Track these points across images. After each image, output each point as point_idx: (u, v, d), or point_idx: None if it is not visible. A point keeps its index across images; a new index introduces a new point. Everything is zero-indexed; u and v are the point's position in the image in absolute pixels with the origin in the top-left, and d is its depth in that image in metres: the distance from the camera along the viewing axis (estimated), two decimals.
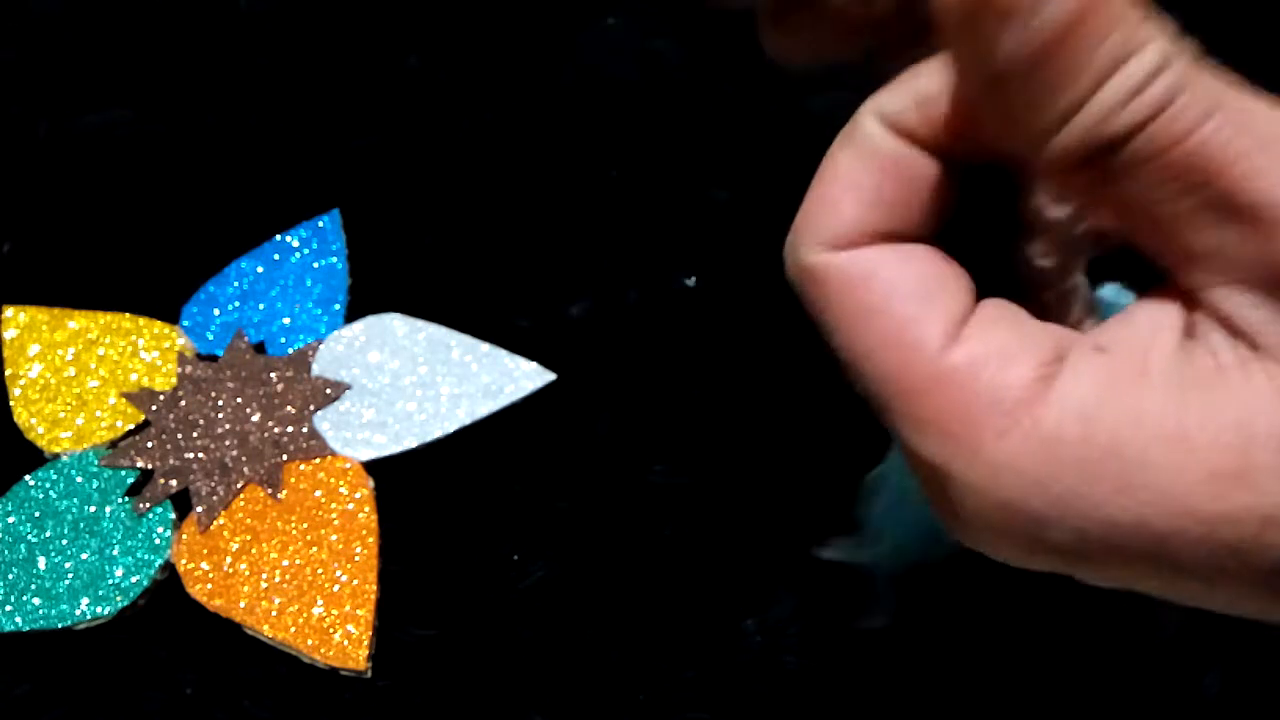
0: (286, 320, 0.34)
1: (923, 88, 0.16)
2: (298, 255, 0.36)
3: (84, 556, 0.30)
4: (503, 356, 0.33)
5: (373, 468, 0.31)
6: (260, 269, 0.35)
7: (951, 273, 0.16)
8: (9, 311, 0.35)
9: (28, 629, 0.29)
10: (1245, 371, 0.14)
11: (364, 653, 0.29)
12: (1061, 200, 0.17)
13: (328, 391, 0.33)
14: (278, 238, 0.36)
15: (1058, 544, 0.14)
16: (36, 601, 0.30)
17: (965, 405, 0.14)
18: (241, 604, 0.29)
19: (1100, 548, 0.14)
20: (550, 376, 0.33)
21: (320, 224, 0.36)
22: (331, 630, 0.29)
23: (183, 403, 0.33)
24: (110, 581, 0.30)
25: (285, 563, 0.30)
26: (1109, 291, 0.18)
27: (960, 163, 0.16)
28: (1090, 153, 0.14)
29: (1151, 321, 0.15)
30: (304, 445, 0.32)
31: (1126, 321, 0.16)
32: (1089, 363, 0.15)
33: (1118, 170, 0.14)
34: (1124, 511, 0.14)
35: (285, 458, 0.31)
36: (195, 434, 0.32)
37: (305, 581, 0.30)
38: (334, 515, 0.31)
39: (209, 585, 0.30)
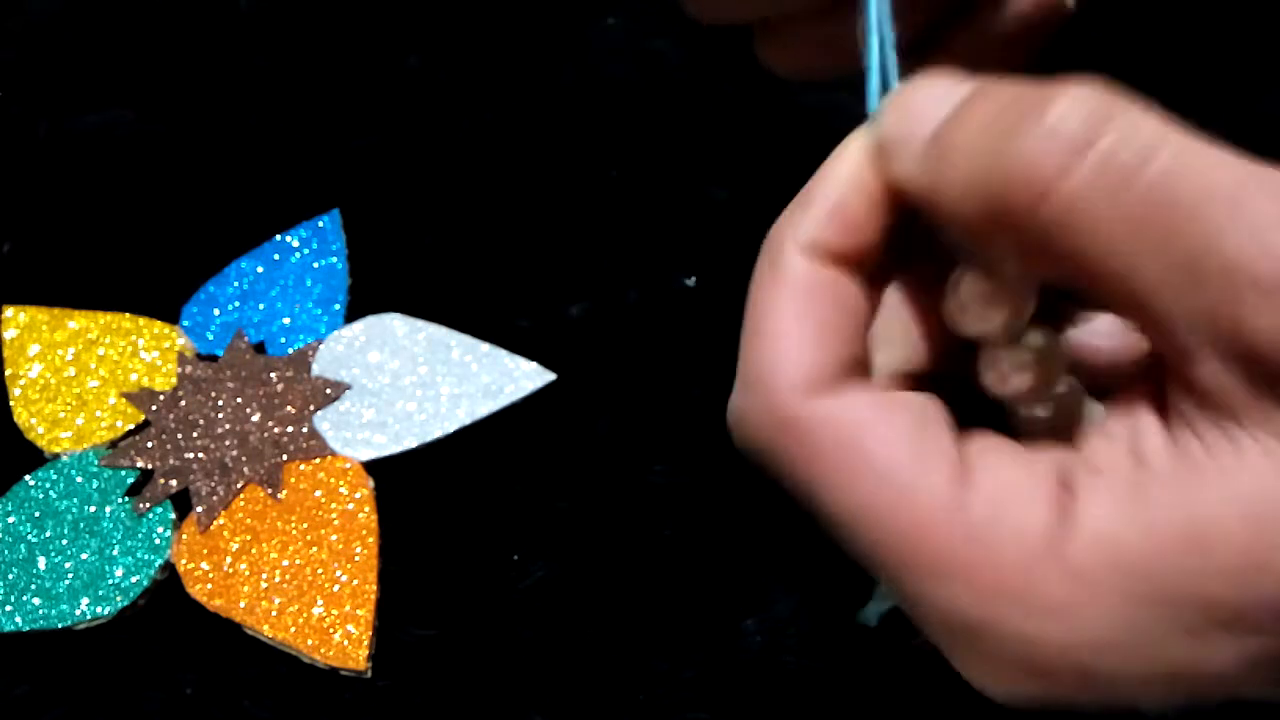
0: (286, 320, 0.34)
1: (833, 199, 0.16)
2: (298, 255, 0.36)
3: (84, 556, 0.30)
4: (503, 356, 0.33)
5: (373, 468, 0.31)
6: (260, 269, 0.35)
7: (931, 403, 0.15)
8: (9, 311, 0.35)
9: (28, 629, 0.29)
10: (1237, 450, 0.13)
11: (364, 653, 0.29)
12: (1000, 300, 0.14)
13: (328, 391, 0.33)
14: (278, 238, 0.36)
15: (1110, 673, 0.13)
16: (36, 601, 0.30)
17: (995, 556, 0.14)
18: (241, 604, 0.29)
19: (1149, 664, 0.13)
20: (550, 376, 0.33)
21: (320, 224, 0.36)
22: (331, 630, 0.29)
23: (183, 403, 0.33)
24: (110, 581, 0.30)
25: (285, 563, 0.30)
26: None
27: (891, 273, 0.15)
28: (1002, 203, 0.13)
29: (1129, 430, 0.15)
30: (304, 445, 0.32)
31: (1106, 436, 0.15)
32: (1095, 489, 0.14)
33: (1055, 224, 0.13)
34: (1167, 623, 0.13)
35: (285, 458, 0.31)
36: (195, 434, 0.32)
37: (305, 581, 0.30)
38: (334, 515, 0.31)
39: (209, 585, 0.30)
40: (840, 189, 0.15)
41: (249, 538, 0.30)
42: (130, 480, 0.31)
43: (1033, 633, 0.13)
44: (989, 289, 0.14)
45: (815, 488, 0.15)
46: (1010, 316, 0.14)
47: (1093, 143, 0.13)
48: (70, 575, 0.30)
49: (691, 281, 0.35)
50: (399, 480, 0.31)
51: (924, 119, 0.14)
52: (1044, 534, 0.14)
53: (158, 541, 0.30)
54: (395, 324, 0.34)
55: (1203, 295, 0.13)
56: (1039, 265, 0.14)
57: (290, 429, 0.32)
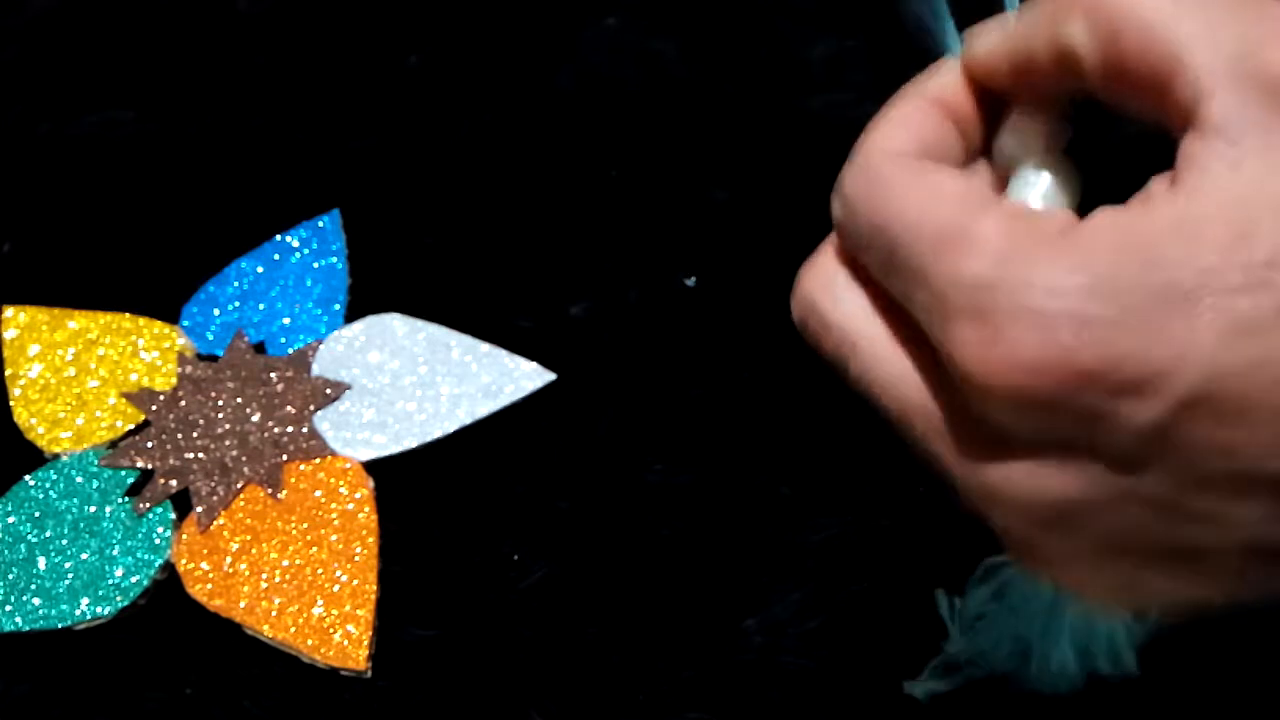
0: (286, 320, 0.34)
1: (935, 84, 0.19)
2: (298, 255, 0.36)
3: (84, 556, 0.30)
4: (503, 356, 0.33)
5: (373, 468, 0.32)
6: (260, 269, 0.35)
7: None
8: (9, 311, 0.35)
9: (28, 629, 0.29)
10: (1233, 163, 0.14)
11: (364, 652, 0.29)
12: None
13: (328, 391, 0.33)
14: (278, 238, 0.36)
15: (1100, 344, 0.14)
16: (36, 601, 0.30)
17: (1013, 233, 0.15)
18: (241, 604, 0.29)
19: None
20: (550, 376, 0.33)
21: (320, 224, 0.36)
22: (331, 630, 0.29)
23: (183, 403, 0.33)
24: (110, 581, 0.30)
25: (285, 563, 0.30)
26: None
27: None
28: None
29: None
30: (304, 445, 0.32)
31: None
32: (1102, 211, 0.16)
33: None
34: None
35: (285, 458, 0.32)
36: (195, 434, 0.32)
37: (305, 581, 0.30)
38: (334, 515, 0.31)
39: (209, 585, 0.30)
40: (943, 77, 0.18)
41: (249, 538, 0.30)
42: (130, 480, 0.31)
43: (1038, 289, 0.14)
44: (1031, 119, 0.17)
45: (875, 208, 0.17)
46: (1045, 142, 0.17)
47: None
48: (70, 575, 0.30)
49: (691, 282, 0.35)
50: (399, 480, 0.32)
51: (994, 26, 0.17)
52: (1058, 224, 0.15)
53: (158, 541, 0.30)
54: (395, 324, 0.34)
55: (1231, 39, 0.15)
56: (1109, 48, 0.16)
57: (290, 429, 0.32)
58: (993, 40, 0.17)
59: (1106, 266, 0.14)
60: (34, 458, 0.32)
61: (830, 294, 0.17)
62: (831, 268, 0.18)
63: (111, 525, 0.31)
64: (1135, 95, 0.16)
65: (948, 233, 0.15)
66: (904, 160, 0.17)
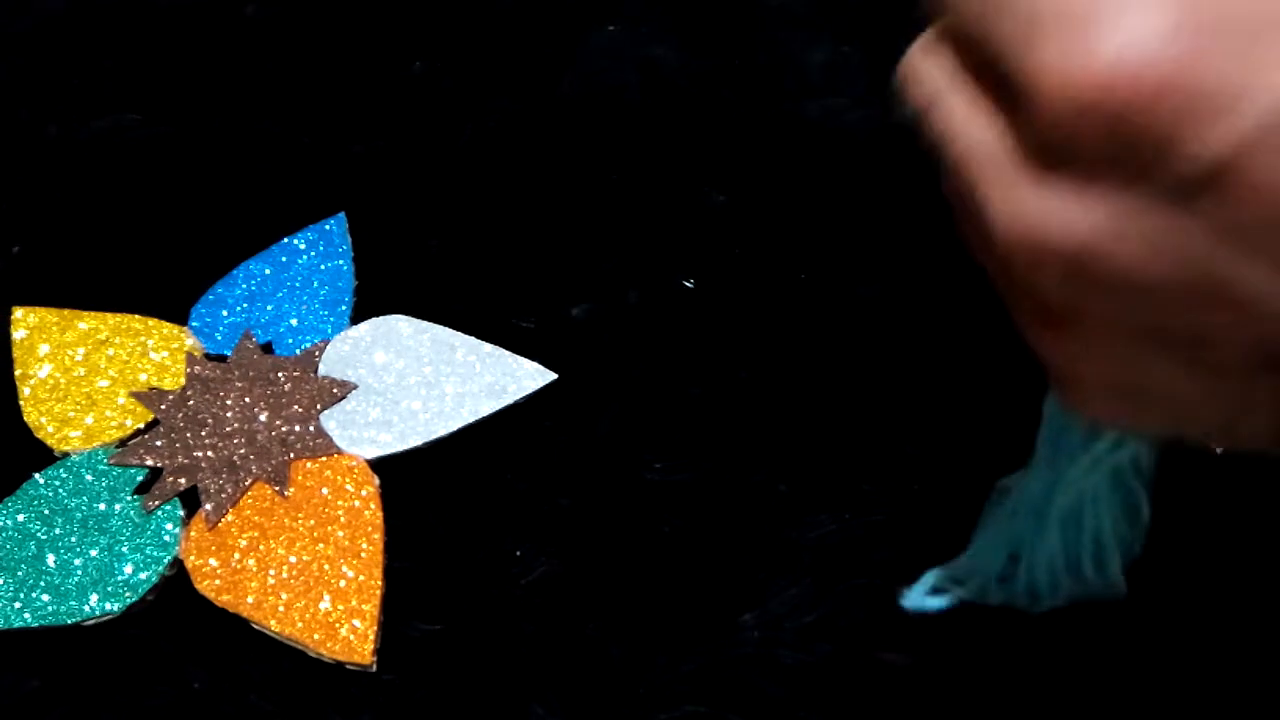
0: (294, 321, 0.35)
1: None
2: (305, 257, 0.36)
3: (93, 553, 0.31)
4: (506, 356, 0.34)
5: (378, 466, 0.32)
6: (268, 271, 0.36)
7: None
8: (19, 312, 0.35)
9: (37, 625, 0.30)
10: None
11: (370, 647, 0.29)
12: None
13: (334, 391, 0.33)
14: (285, 240, 0.36)
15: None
16: (46, 598, 0.30)
17: None
18: (249, 600, 0.30)
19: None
20: (552, 376, 0.33)
21: (327, 227, 0.37)
22: (338, 625, 0.29)
23: (191, 402, 0.33)
24: (119, 578, 0.30)
25: (292, 559, 0.30)
26: None
27: None
28: None
29: None
30: (311, 444, 0.32)
31: None
32: None
33: None
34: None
35: (292, 456, 0.32)
36: (204, 433, 0.32)
37: (312, 577, 0.30)
38: (340, 512, 0.31)
39: (217, 581, 0.30)
40: None
41: (256, 534, 0.31)
42: (139, 478, 0.32)
43: (1131, 4, 0.14)
44: None
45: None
46: None
47: None
48: (79, 572, 0.30)
49: (691, 283, 0.35)
50: (404, 478, 0.32)
51: None
52: None
53: (166, 538, 0.31)
54: (401, 325, 0.34)
55: None
56: None
57: (297, 428, 0.32)
58: None
59: None
60: (44, 456, 0.33)
61: (925, 57, 0.18)
62: (930, 35, 0.18)
63: (120, 522, 0.31)
64: None
65: None
66: None
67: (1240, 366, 0.16)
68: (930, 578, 0.26)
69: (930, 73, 0.17)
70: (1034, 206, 0.15)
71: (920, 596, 0.25)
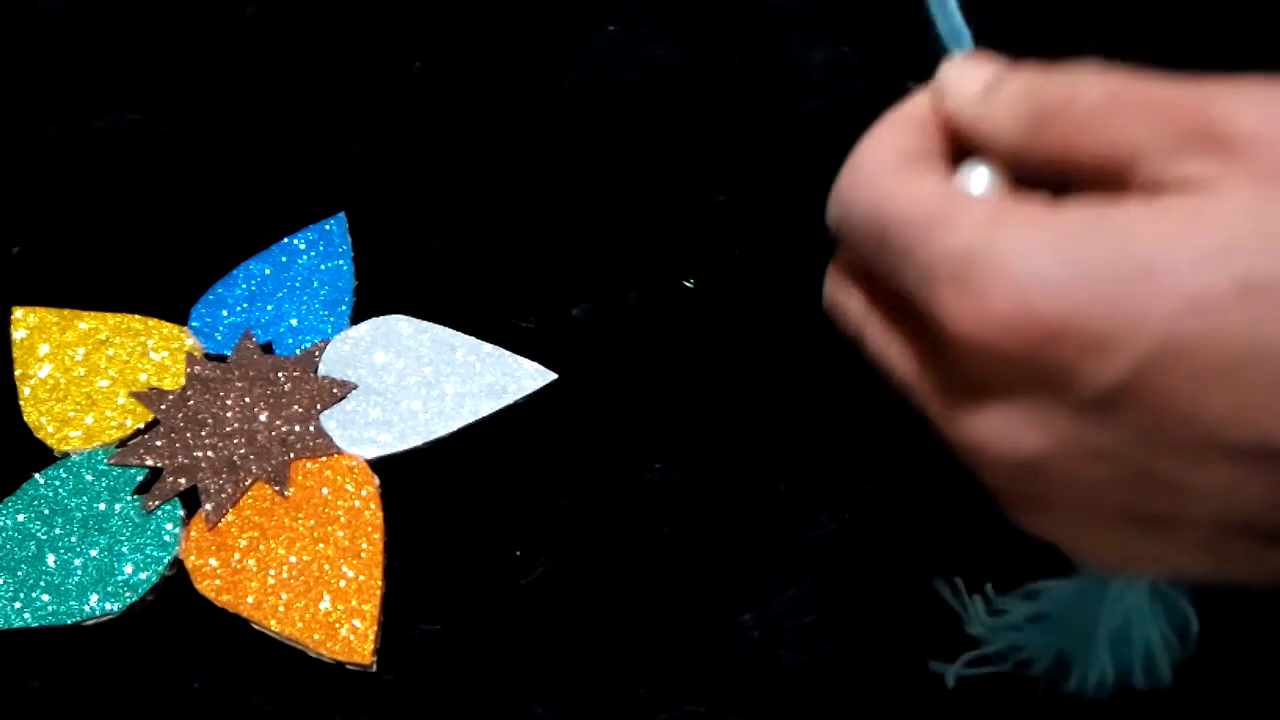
0: (294, 321, 0.35)
1: (914, 107, 0.20)
2: (305, 258, 0.36)
3: (93, 553, 0.31)
4: (505, 356, 0.34)
5: (378, 466, 0.32)
6: (268, 271, 0.36)
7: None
8: (19, 312, 0.35)
9: (37, 625, 0.30)
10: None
11: (370, 647, 0.29)
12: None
13: (334, 391, 0.33)
14: (285, 240, 0.36)
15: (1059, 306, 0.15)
16: (46, 598, 0.30)
17: (991, 214, 0.17)
18: (249, 599, 0.30)
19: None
20: (552, 376, 0.33)
21: (327, 227, 0.37)
22: (338, 625, 0.29)
23: (191, 402, 0.33)
24: (119, 578, 0.30)
25: (292, 559, 0.30)
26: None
27: None
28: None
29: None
30: (311, 444, 0.32)
31: None
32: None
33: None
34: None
35: (292, 456, 0.32)
36: (204, 432, 0.32)
37: (312, 577, 0.30)
38: (340, 512, 0.31)
39: (217, 581, 0.30)
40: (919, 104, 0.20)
41: (256, 534, 0.31)
42: (139, 478, 0.32)
43: (1014, 255, 0.16)
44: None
45: (869, 203, 0.18)
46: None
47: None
48: (79, 572, 0.30)
49: (691, 283, 0.35)
50: (404, 478, 0.32)
51: (974, 78, 0.19)
52: (1036, 205, 0.17)
53: (166, 538, 0.31)
54: (401, 325, 0.34)
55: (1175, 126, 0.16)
56: (1061, 150, 0.17)
57: (297, 428, 0.32)
58: (964, 95, 0.19)
59: (1078, 241, 0.16)
60: (44, 456, 0.33)
61: (841, 291, 0.19)
62: (834, 273, 0.20)
63: (120, 522, 0.31)
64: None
65: (936, 215, 0.17)
66: (893, 162, 0.18)
67: (1208, 538, 0.17)
68: (968, 659, 0.26)
69: (848, 304, 0.19)
70: (974, 430, 0.17)
71: (958, 670, 0.26)
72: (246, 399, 0.33)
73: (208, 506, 0.31)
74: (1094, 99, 0.17)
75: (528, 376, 0.33)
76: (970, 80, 0.18)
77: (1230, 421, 0.15)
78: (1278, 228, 0.15)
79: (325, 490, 0.31)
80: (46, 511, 0.31)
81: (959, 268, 0.16)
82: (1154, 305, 0.15)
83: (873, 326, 0.19)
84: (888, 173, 0.18)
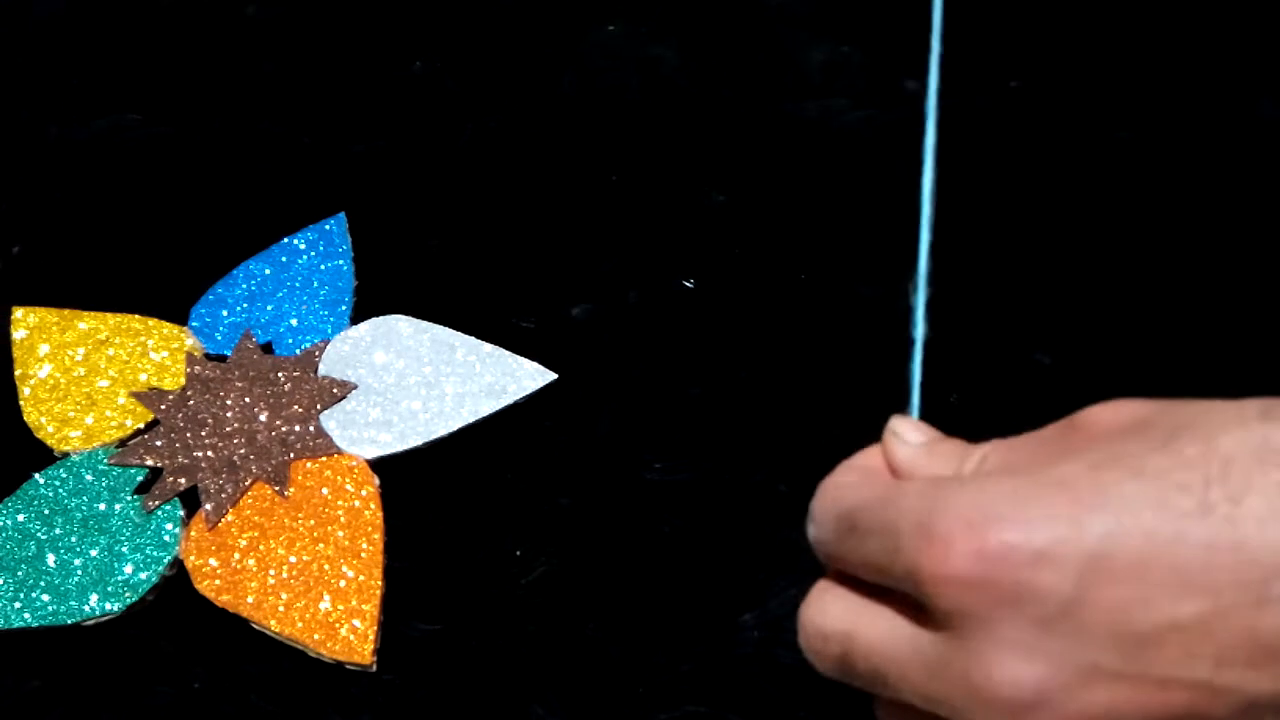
0: (294, 321, 0.35)
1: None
2: (305, 257, 0.36)
3: (93, 553, 0.31)
4: (506, 356, 0.34)
5: (378, 466, 0.32)
6: (268, 271, 0.36)
7: None
8: (19, 312, 0.35)
9: (37, 625, 0.30)
10: None
11: (370, 647, 0.29)
12: None
13: (334, 391, 0.33)
14: (285, 240, 0.36)
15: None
16: (46, 598, 0.30)
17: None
18: (249, 599, 0.30)
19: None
20: (552, 376, 0.33)
21: (327, 227, 0.37)
22: (338, 625, 0.29)
23: (191, 402, 0.33)
24: (119, 578, 0.30)
25: (292, 559, 0.30)
26: None
27: None
28: None
29: None
30: (311, 444, 0.32)
31: None
32: None
33: None
34: None
35: (292, 456, 0.32)
36: (204, 432, 0.32)
37: (312, 577, 0.30)
38: (340, 512, 0.31)
39: (217, 581, 0.30)
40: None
41: (257, 534, 0.31)
42: (139, 478, 0.32)
43: (958, 502, 0.19)
44: None
45: (837, 504, 0.21)
46: None
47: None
48: (80, 572, 0.30)
49: (691, 283, 0.35)
50: (404, 478, 0.32)
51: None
52: (964, 458, 0.21)
53: (166, 538, 0.31)
54: (401, 325, 0.34)
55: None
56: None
57: (297, 428, 0.32)
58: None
59: (1007, 479, 0.19)
60: (44, 456, 0.33)
61: (819, 608, 0.21)
62: (815, 593, 0.22)
63: (120, 522, 0.31)
64: None
65: (890, 493, 0.20)
66: (854, 481, 0.22)
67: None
68: None
69: (832, 617, 0.21)
70: (976, 677, 0.18)
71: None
72: (246, 399, 0.33)
73: (208, 506, 0.31)
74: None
75: (528, 376, 0.33)
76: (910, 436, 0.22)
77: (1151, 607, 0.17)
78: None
79: (325, 490, 0.31)
80: (46, 511, 0.31)
81: (917, 523, 0.19)
82: (1085, 513, 0.18)
83: (858, 624, 0.21)
84: (850, 483, 0.22)
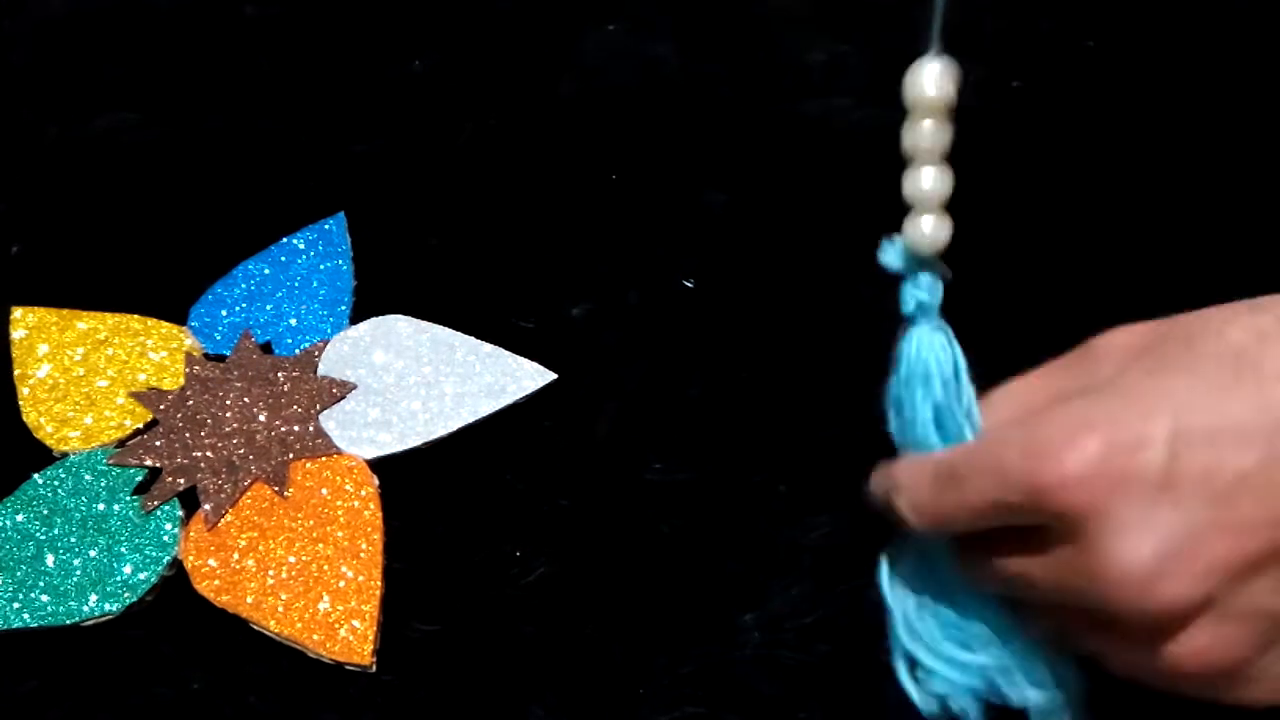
0: (293, 321, 0.35)
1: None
2: (304, 257, 0.36)
3: (92, 554, 0.31)
4: (505, 356, 0.34)
5: (378, 466, 0.32)
6: (267, 271, 0.36)
7: None
8: (18, 312, 0.35)
9: (36, 625, 0.30)
10: None
11: (369, 648, 0.29)
12: None
13: (334, 391, 0.33)
14: (284, 240, 0.36)
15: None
16: (45, 598, 0.30)
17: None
18: (248, 600, 0.30)
19: None
20: (551, 376, 0.33)
21: (326, 227, 0.37)
22: (337, 626, 0.29)
23: (190, 402, 0.33)
24: (118, 578, 0.30)
25: (292, 559, 0.30)
26: None
27: None
28: None
29: None
30: (310, 444, 0.32)
31: None
32: None
33: None
34: None
35: (292, 456, 0.32)
36: (203, 433, 0.32)
37: (311, 578, 0.30)
38: (340, 513, 0.31)
39: (216, 582, 0.30)
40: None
41: (256, 535, 0.31)
42: (138, 478, 0.32)
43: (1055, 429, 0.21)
44: None
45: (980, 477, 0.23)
46: None
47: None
48: (78, 572, 0.30)
49: (691, 283, 0.35)
50: (403, 478, 0.32)
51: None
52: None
53: (165, 539, 0.31)
54: (400, 325, 0.34)
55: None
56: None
57: (297, 428, 0.32)
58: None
59: (1078, 399, 0.22)
60: (43, 456, 0.33)
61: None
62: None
63: (119, 523, 0.31)
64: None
65: (977, 440, 0.24)
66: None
67: None
68: None
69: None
70: (1181, 652, 0.21)
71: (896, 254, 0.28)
72: (246, 399, 0.33)
73: (207, 507, 0.31)
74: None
75: (527, 376, 0.33)
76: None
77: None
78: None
79: (325, 490, 0.31)
80: (45, 512, 0.31)
81: (1023, 448, 0.21)
82: (1153, 407, 0.21)
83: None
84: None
